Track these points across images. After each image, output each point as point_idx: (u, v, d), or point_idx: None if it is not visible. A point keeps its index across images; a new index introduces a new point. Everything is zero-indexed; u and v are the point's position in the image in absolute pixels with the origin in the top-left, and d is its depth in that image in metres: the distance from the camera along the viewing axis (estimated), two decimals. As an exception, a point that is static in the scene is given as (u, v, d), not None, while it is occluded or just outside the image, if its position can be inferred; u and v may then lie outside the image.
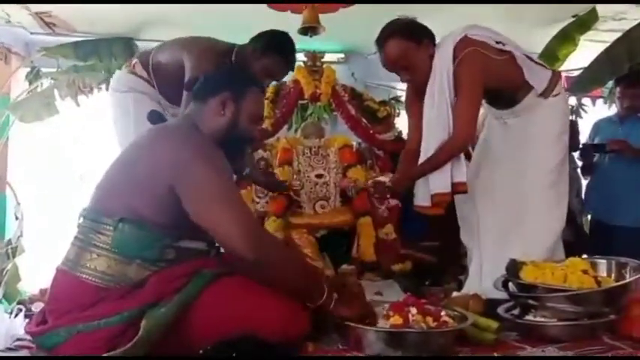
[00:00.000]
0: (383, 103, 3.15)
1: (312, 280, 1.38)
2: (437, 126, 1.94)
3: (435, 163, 1.94)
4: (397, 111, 3.55)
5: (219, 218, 1.25)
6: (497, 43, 1.93)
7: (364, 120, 2.95)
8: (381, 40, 1.96)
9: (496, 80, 1.93)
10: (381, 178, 2.17)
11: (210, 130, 1.42)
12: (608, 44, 3.44)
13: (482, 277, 2.00)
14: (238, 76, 1.51)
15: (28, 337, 1.41)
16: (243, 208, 1.33)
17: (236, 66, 1.53)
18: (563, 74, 4.24)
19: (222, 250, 1.39)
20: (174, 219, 1.29)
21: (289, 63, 2.16)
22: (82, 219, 1.34)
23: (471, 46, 1.88)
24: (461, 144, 1.93)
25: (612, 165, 2.93)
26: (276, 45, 2.11)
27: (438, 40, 2.00)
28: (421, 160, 1.99)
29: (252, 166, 2.41)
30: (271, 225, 2.58)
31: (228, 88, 1.44)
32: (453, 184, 1.94)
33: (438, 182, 1.95)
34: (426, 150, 1.98)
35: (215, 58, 2.05)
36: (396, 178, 2.12)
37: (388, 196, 2.12)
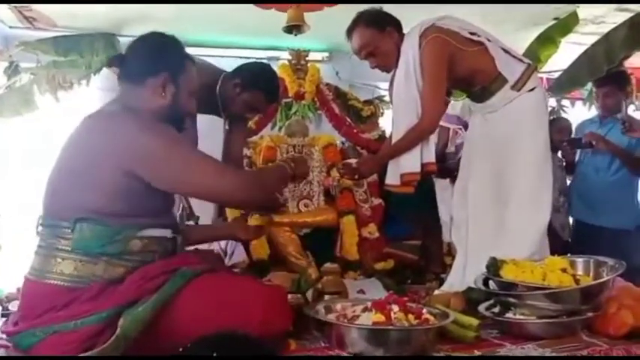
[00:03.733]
0: (367, 102, 3.15)
1: (281, 176, 1.54)
2: (406, 111, 2.03)
3: (403, 146, 2.03)
4: (381, 110, 3.56)
5: (197, 179, 1.28)
6: (472, 34, 1.98)
7: (348, 119, 2.96)
8: (349, 30, 2.09)
9: (466, 69, 2.00)
10: (350, 160, 2.26)
11: (151, 111, 1.38)
12: (588, 46, 3.50)
13: (466, 274, 2.02)
14: (174, 54, 1.44)
15: (5, 336, 1.38)
16: (210, 159, 1.35)
17: (169, 40, 1.48)
18: (545, 76, 4.31)
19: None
20: (133, 207, 1.27)
21: (270, 97, 2.16)
22: (39, 227, 1.31)
23: (436, 33, 1.95)
24: (427, 127, 2.01)
25: (592, 166, 2.98)
26: (257, 80, 2.09)
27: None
28: (392, 143, 2.09)
29: None
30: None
31: (167, 69, 1.39)
32: (423, 164, 2.03)
33: (407, 162, 2.04)
34: (396, 134, 2.07)
35: (203, 80, 2.01)
36: (363, 160, 2.24)
37: (356, 176, 2.19)
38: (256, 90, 2.08)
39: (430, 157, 2.06)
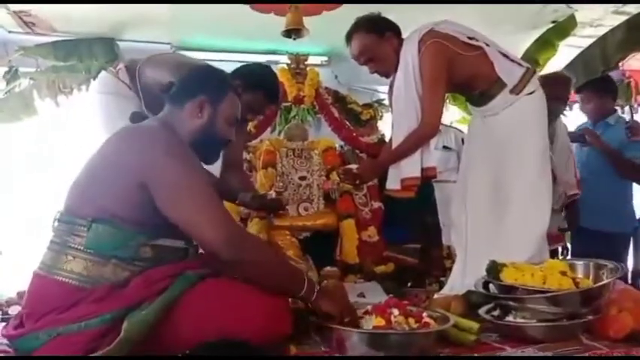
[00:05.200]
0: (366, 105, 3.16)
1: (290, 273, 1.39)
2: (406, 115, 2.03)
3: (404, 150, 2.04)
4: (380, 114, 3.57)
5: (193, 216, 1.26)
6: (470, 38, 1.99)
7: (347, 122, 2.97)
8: (348, 36, 2.10)
9: (466, 74, 2.01)
10: (351, 166, 2.26)
11: (187, 132, 1.43)
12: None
13: (466, 277, 2.02)
14: (215, 80, 1.52)
15: (5, 340, 1.38)
16: (217, 205, 1.32)
17: (212, 69, 1.55)
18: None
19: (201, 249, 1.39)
20: (148, 216, 1.28)
21: (271, 97, 2.16)
22: (56, 222, 1.33)
23: (435, 38, 1.96)
24: (427, 132, 2.02)
25: (588, 169, 2.99)
26: (258, 81, 2.09)
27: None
28: (392, 148, 2.09)
29: (247, 191, 2.34)
30: (254, 226, 2.57)
31: (206, 92, 1.45)
32: (423, 169, 2.04)
33: (408, 167, 2.04)
34: (396, 138, 2.07)
35: None
36: (363, 165, 2.25)
37: (357, 182, 2.20)
38: (257, 90, 2.09)
39: (431, 161, 2.06)
